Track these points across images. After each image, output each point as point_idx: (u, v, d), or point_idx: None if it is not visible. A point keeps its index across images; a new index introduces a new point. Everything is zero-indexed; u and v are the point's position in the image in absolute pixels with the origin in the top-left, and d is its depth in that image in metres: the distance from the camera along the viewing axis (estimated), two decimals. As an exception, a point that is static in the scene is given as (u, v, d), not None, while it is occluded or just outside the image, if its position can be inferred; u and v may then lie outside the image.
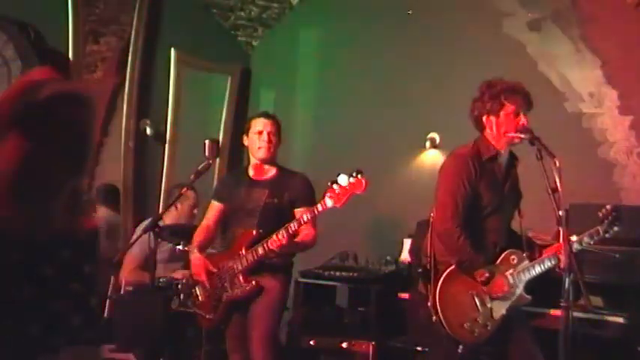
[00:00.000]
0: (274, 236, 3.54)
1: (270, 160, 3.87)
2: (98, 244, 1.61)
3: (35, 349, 1.46)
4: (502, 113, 3.24)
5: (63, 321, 1.49)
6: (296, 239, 3.69)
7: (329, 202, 3.45)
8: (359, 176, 3.43)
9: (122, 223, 5.16)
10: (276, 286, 3.70)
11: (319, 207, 3.48)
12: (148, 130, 5.33)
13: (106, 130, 5.35)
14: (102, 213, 5.19)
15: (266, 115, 3.94)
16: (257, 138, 3.83)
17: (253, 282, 3.65)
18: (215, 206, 3.96)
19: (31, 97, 1.36)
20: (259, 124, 3.85)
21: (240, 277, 3.66)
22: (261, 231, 3.64)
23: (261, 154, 3.83)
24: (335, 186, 3.44)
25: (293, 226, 3.53)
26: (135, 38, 5.14)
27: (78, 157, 1.44)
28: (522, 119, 3.23)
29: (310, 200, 3.70)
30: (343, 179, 3.43)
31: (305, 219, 3.54)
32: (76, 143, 1.42)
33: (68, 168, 1.42)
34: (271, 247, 3.54)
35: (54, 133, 1.37)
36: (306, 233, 3.72)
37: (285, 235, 3.52)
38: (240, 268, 3.66)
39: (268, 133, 3.81)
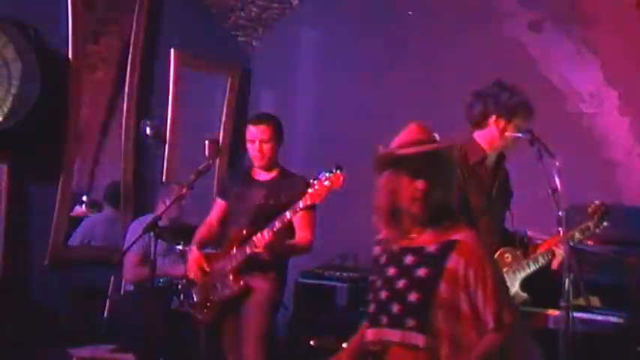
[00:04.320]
0: (258, 234, 3.51)
1: (268, 165, 3.81)
2: None
3: None
4: (511, 125, 3.21)
5: None
6: (290, 242, 3.67)
7: (308, 200, 3.44)
8: (337, 172, 3.40)
9: (121, 223, 5.16)
10: (266, 285, 3.66)
11: (300, 204, 3.45)
12: (148, 130, 5.33)
13: (106, 130, 5.35)
14: (107, 212, 5.21)
15: (258, 120, 3.82)
16: (250, 146, 3.79)
17: (242, 282, 3.61)
18: (219, 203, 3.94)
19: None
20: (250, 133, 3.78)
21: (230, 277, 3.62)
22: (252, 230, 3.59)
23: (256, 162, 3.81)
24: (315, 182, 3.44)
25: (277, 224, 3.49)
26: (135, 38, 5.14)
27: None
28: None
29: None
30: (322, 175, 3.42)
31: (288, 216, 3.49)
32: None
33: None
34: (257, 246, 3.51)
35: None
36: (301, 236, 3.70)
37: (269, 234, 3.49)
38: (229, 267, 3.63)
39: (260, 142, 3.74)
